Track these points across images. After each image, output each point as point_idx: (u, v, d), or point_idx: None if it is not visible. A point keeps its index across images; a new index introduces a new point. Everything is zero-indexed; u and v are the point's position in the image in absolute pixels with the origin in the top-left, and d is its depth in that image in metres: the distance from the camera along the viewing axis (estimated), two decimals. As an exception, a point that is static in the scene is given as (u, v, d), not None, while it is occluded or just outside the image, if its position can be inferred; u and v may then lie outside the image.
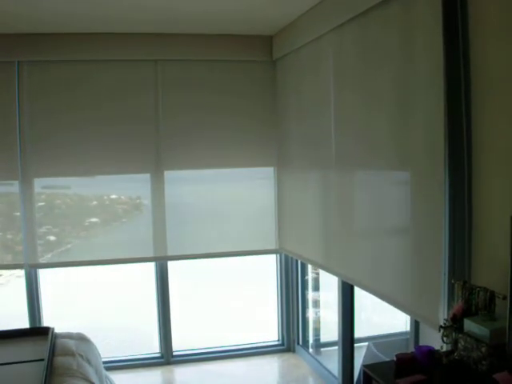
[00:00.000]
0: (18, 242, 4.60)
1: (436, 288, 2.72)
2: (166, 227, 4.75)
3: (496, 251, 2.42)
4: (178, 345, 4.98)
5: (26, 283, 4.61)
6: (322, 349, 5.08)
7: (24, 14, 3.81)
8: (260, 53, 4.81)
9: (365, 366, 2.68)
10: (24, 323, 4.54)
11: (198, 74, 4.75)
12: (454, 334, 2.46)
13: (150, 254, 4.77)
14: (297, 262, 5.07)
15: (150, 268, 4.94)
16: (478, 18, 2.53)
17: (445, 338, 2.53)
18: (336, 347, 4.17)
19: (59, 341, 3.33)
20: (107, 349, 4.37)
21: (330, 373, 4.41)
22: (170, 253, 4.78)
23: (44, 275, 4.73)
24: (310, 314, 5.15)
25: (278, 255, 5.21)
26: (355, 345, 4.10)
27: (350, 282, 3.80)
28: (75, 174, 4.63)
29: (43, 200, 4.57)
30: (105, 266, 4.98)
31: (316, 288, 5.19)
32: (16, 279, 5.31)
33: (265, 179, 5.03)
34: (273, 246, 5.03)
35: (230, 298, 6.13)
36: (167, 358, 4.92)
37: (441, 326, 2.54)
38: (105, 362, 3.61)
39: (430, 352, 2.49)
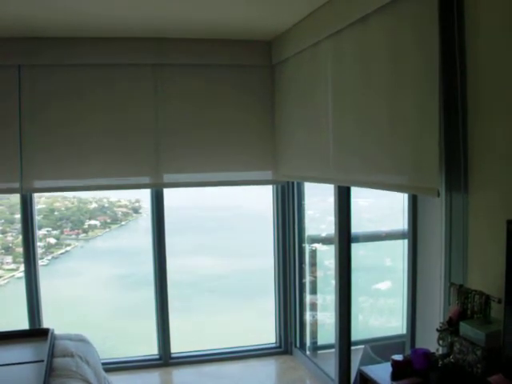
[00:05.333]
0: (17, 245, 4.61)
1: (432, 157, 2.71)
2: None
3: (491, 255, 2.45)
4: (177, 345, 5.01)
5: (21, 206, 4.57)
6: (319, 351, 5.10)
7: (25, 19, 3.83)
8: (259, 57, 4.82)
9: (361, 369, 2.71)
10: (23, 325, 4.55)
11: (197, 78, 4.77)
12: (449, 337, 2.49)
13: (147, 181, 4.76)
14: (294, 259, 5.10)
15: (149, 268, 4.95)
16: (474, 22, 2.57)
17: (440, 341, 2.56)
18: (333, 350, 4.19)
19: (58, 342, 3.34)
20: (106, 350, 4.38)
21: (327, 375, 4.43)
22: (165, 179, 4.75)
23: (44, 277, 4.74)
24: (308, 316, 5.17)
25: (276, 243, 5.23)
26: (352, 347, 4.12)
27: (348, 184, 3.85)
28: (75, 177, 4.63)
29: (43, 202, 4.58)
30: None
31: (313, 291, 5.22)
32: (16, 281, 5.32)
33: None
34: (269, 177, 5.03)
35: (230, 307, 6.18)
36: (165, 359, 4.93)
37: (437, 329, 2.57)
38: (103, 363, 3.62)
39: (426, 355, 2.51)
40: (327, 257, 4.95)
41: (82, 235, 5.60)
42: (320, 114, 3.99)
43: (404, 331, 3.41)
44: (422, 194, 3.00)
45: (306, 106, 4.29)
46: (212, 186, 5.00)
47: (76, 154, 4.52)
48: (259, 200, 5.70)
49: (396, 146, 3.07)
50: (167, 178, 4.76)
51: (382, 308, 4.89)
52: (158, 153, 4.69)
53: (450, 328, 2.49)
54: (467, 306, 2.49)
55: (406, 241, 3.43)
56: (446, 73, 2.68)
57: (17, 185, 4.39)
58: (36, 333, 3.60)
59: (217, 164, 4.87)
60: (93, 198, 4.68)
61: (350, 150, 3.61)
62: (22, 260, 4.70)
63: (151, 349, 4.97)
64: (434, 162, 2.69)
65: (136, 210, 5.73)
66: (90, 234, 5.61)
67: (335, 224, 4.06)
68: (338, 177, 3.81)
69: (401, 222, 3.56)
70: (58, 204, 4.65)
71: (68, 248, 5.54)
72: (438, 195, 2.69)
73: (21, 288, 4.62)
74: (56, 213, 5.11)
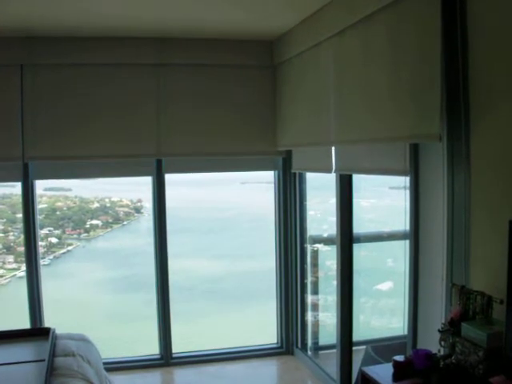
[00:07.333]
0: (19, 244, 4.60)
1: (433, 105, 2.71)
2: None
3: (493, 256, 2.45)
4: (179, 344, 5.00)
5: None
6: (320, 352, 5.10)
7: (27, 18, 3.85)
8: (261, 57, 4.84)
9: (363, 369, 2.71)
10: (25, 324, 4.55)
11: (199, 78, 4.78)
12: (451, 337, 2.48)
13: (152, 151, 4.71)
14: (296, 259, 5.10)
15: (151, 268, 4.96)
16: (476, 21, 2.58)
17: (442, 342, 2.55)
18: (334, 350, 4.19)
19: (60, 341, 3.34)
20: (107, 350, 4.38)
21: (329, 375, 4.43)
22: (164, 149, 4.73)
23: (46, 276, 4.76)
24: (309, 317, 5.17)
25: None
26: (353, 348, 4.12)
27: (350, 144, 3.79)
28: (77, 176, 4.64)
29: (45, 202, 4.58)
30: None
31: (315, 291, 5.22)
32: (17, 280, 5.33)
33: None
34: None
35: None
36: (167, 359, 4.93)
37: (438, 330, 2.57)
38: (105, 363, 3.62)
39: (428, 356, 2.52)
40: (329, 257, 4.95)
41: (84, 235, 5.61)
42: (321, 96, 4.01)
43: (405, 332, 3.40)
44: (424, 141, 2.97)
45: (308, 97, 4.30)
46: (211, 156, 4.94)
47: (78, 152, 4.52)
48: (261, 201, 5.69)
49: (398, 97, 3.06)
50: (169, 150, 4.75)
51: (384, 308, 4.88)
52: (160, 152, 4.70)
53: (451, 329, 2.49)
54: (469, 306, 2.49)
55: (407, 241, 3.43)
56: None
57: (19, 153, 4.38)
58: (37, 332, 3.60)
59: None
60: (94, 197, 4.68)
61: (350, 109, 3.61)
62: (23, 259, 4.71)
63: (153, 348, 4.97)
64: (436, 109, 2.68)
65: (138, 210, 5.74)
66: (92, 233, 5.61)
67: (337, 224, 4.06)
68: (339, 138, 3.79)
69: (402, 223, 3.55)
70: (59, 203, 4.66)
71: (70, 248, 5.54)
72: (440, 139, 2.68)
73: (22, 287, 4.64)
74: (58, 212, 5.11)
